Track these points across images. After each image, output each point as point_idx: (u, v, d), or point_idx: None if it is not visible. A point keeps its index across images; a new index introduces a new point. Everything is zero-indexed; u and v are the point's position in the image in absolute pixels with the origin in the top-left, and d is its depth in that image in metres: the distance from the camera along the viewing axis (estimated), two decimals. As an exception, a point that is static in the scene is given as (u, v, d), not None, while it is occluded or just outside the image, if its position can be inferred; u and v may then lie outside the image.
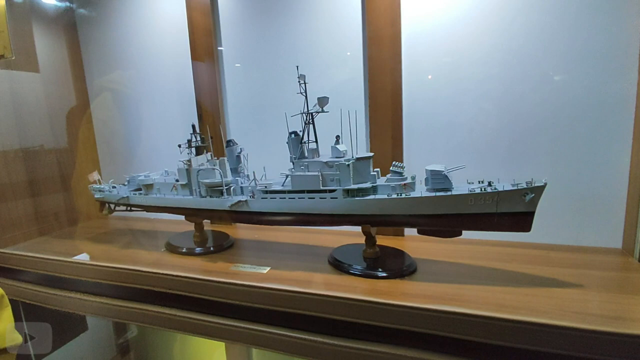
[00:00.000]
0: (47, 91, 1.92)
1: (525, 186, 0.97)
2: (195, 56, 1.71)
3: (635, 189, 1.16)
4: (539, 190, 0.96)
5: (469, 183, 1.07)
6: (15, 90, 1.79)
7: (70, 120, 2.01)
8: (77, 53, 2.05)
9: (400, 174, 1.11)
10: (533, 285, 1.01)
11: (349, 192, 1.12)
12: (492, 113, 1.32)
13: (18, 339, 1.07)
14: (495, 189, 0.99)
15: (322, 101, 1.16)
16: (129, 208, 1.58)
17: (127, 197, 1.53)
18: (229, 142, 1.38)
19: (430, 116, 1.40)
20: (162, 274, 1.22)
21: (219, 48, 1.70)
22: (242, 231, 1.65)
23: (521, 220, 1.00)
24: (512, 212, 0.99)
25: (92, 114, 2.07)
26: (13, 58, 1.34)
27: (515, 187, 0.97)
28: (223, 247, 1.44)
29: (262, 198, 1.24)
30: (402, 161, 1.39)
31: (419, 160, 1.39)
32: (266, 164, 1.34)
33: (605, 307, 0.89)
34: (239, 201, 1.27)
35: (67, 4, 2.00)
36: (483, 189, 1.00)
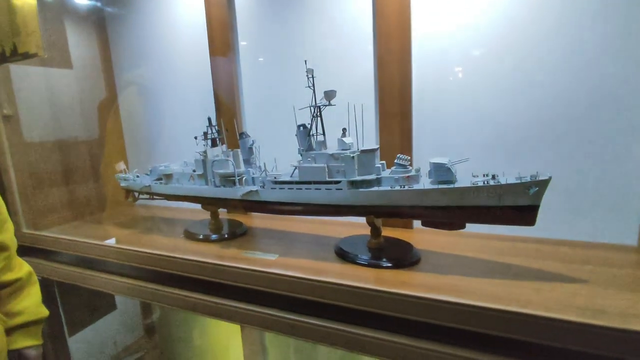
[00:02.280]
0: (79, 86, 2.06)
1: (530, 180, 0.97)
2: (213, 51, 1.78)
3: (652, 184, 1.12)
4: (543, 184, 0.96)
5: (473, 176, 1.07)
6: (50, 86, 1.93)
7: (100, 113, 2.14)
8: (107, 49, 2.17)
9: (405, 166, 1.13)
10: (536, 280, 1.00)
11: (353, 184, 1.15)
12: (504, 106, 1.30)
13: (44, 312, 1.18)
14: (499, 182, 0.99)
15: (329, 95, 1.19)
16: (151, 196, 1.69)
17: (149, 186, 1.63)
18: (241, 134, 1.44)
19: (441, 110, 1.40)
20: (181, 258, 1.31)
21: (241, 43, 1.75)
22: (255, 220, 1.72)
23: (525, 214, 0.99)
24: (515, 205, 0.99)
25: (119, 107, 2.20)
26: (46, 56, 1.45)
27: (519, 181, 0.97)
28: (236, 234, 1.51)
29: (272, 188, 1.29)
30: (411, 154, 1.40)
31: (429, 154, 1.39)
32: (277, 156, 1.39)
33: (610, 303, 0.88)
34: (250, 191, 1.33)
35: (96, 2, 2.11)
36: (486, 182, 1.01)
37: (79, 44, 2.06)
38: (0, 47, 1.58)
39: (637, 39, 1.12)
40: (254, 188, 1.32)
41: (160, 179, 1.61)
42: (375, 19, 1.40)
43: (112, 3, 2.11)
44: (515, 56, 1.26)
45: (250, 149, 1.43)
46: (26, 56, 1.48)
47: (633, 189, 1.18)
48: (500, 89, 1.30)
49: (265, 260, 1.24)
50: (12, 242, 1.10)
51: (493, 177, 1.02)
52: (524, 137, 1.29)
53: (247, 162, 1.43)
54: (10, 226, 1.11)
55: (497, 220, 1.04)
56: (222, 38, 1.75)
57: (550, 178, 0.95)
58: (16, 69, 1.73)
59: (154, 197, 1.67)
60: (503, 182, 0.99)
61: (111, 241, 1.59)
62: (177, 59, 1.95)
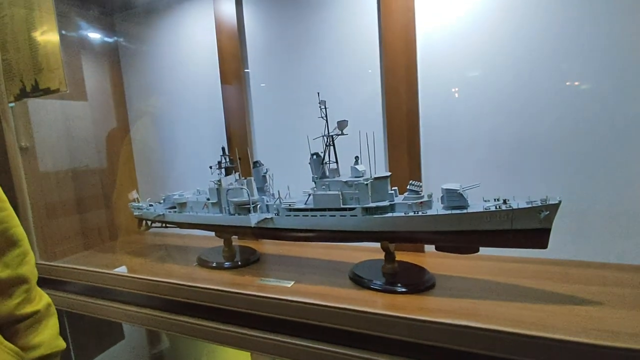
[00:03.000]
0: (93, 117, 2.12)
1: (540, 204, 1.00)
2: (224, 80, 1.85)
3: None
4: (553, 208, 0.99)
5: (485, 201, 1.11)
6: (66, 118, 1.99)
7: (113, 143, 2.19)
8: (120, 81, 2.25)
9: (417, 192, 1.16)
10: (552, 302, 1.02)
11: (367, 210, 1.18)
12: (511, 129, 1.35)
13: (62, 345, 1.17)
14: (510, 206, 1.03)
15: (342, 124, 1.24)
16: (164, 225, 1.71)
17: (163, 214, 1.66)
18: (255, 163, 1.48)
19: (448, 134, 1.45)
20: (194, 286, 1.31)
21: (246, 70, 1.83)
22: (267, 246, 1.74)
23: (537, 237, 1.02)
24: (527, 229, 1.02)
25: (131, 137, 2.25)
26: (67, 92, 1.52)
27: (530, 205, 1.00)
28: (250, 261, 1.53)
29: (286, 215, 1.32)
30: (420, 179, 1.44)
31: (437, 178, 1.43)
32: (290, 183, 1.43)
33: (625, 324, 0.90)
34: (265, 218, 1.35)
35: (111, 38, 2.21)
36: (498, 207, 1.04)
37: (94, 76, 2.14)
38: (21, 83, 1.65)
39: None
40: (268, 215, 1.35)
41: (174, 207, 1.64)
42: (382, 48, 1.47)
43: (126, 37, 2.21)
44: (523, 78, 1.32)
45: (264, 177, 1.47)
46: (47, 92, 1.54)
47: None
48: (508, 111, 1.35)
49: (281, 287, 1.25)
50: (33, 274, 1.11)
51: (504, 201, 1.06)
52: (532, 158, 1.33)
53: (261, 190, 1.47)
54: (31, 258, 1.12)
55: (510, 244, 1.06)
56: (233, 68, 1.82)
57: (560, 202, 0.99)
58: (34, 103, 1.79)
59: (167, 225, 1.70)
60: (515, 206, 1.02)
61: (122, 269, 1.60)
62: (189, 90, 2.02)
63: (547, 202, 0.99)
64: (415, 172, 1.45)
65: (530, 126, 1.33)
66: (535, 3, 1.28)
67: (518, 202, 1.03)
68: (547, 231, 1.01)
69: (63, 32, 1.88)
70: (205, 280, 1.39)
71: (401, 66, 1.43)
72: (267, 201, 1.41)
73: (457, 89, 1.43)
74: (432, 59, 1.42)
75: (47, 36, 1.52)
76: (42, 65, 1.55)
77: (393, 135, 1.47)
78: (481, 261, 1.31)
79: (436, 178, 1.44)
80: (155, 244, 2.02)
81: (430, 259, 1.40)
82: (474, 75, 1.40)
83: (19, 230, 1.00)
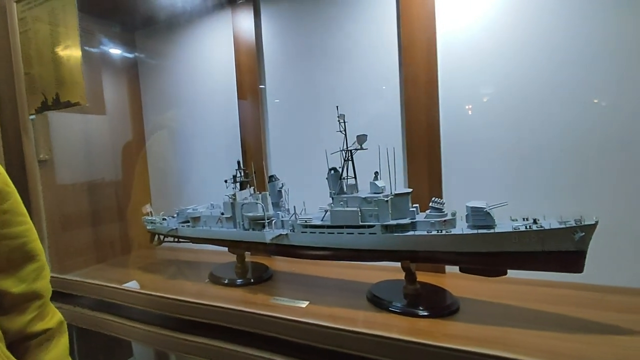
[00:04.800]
0: (110, 130, 2.14)
1: (574, 224, 0.93)
2: (241, 95, 1.85)
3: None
4: (589, 229, 0.92)
5: (512, 220, 1.05)
6: (84, 131, 2.02)
7: (128, 156, 2.21)
8: (137, 95, 2.28)
9: (440, 209, 1.11)
10: (588, 332, 0.94)
11: (387, 228, 1.13)
12: (536, 145, 1.29)
13: None
14: (541, 226, 0.96)
15: (361, 139, 1.21)
16: (177, 239, 1.68)
17: (176, 229, 1.63)
18: (271, 177, 1.45)
19: (470, 150, 1.40)
20: (205, 304, 1.27)
21: (262, 86, 1.83)
22: (280, 263, 1.69)
23: (571, 260, 0.95)
24: (561, 251, 0.95)
25: (147, 150, 2.27)
26: (87, 105, 1.53)
27: (563, 225, 0.94)
28: (262, 278, 1.48)
29: (302, 232, 1.27)
30: (441, 196, 1.38)
31: (458, 196, 1.37)
32: (306, 199, 1.39)
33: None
34: (280, 234, 1.31)
35: (131, 54, 2.25)
36: (528, 227, 0.98)
37: (113, 91, 2.18)
38: (42, 97, 1.67)
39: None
40: (283, 232, 1.31)
41: (187, 221, 1.62)
42: (402, 60, 1.44)
43: (145, 52, 2.25)
44: (548, 92, 1.27)
45: (280, 192, 1.44)
46: (68, 105, 1.56)
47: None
48: (532, 126, 1.30)
49: (295, 308, 1.20)
50: (47, 290, 1.09)
51: (535, 221, 0.99)
52: (560, 175, 1.27)
53: (276, 205, 1.44)
54: (47, 273, 1.10)
55: (542, 267, 0.99)
56: (249, 83, 1.83)
57: (597, 222, 0.92)
58: (54, 116, 1.82)
59: (180, 240, 1.67)
60: (546, 226, 0.96)
61: (132, 284, 1.57)
62: (206, 104, 2.03)
63: (582, 223, 0.93)
64: (435, 188, 1.39)
65: (557, 141, 1.27)
66: (563, 17, 1.24)
67: (550, 222, 0.97)
68: (582, 254, 0.94)
69: (85, 48, 1.91)
70: (216, 297, 1.34)
71: (421, 78, 1.40)
72: (283, 217, 1.37)
73: (479, 102, 1.38)
74: (453, 71, 1.39)
75: (70, 51, 1.55)
76: (64, 79, 1.58)
77: (413, 150, 1.43)
78: (507, 284, 1.24)
79: (458, 195, 1.38)
80: (167, 259, 1.99)
81: (452, 280, 1.33)
82: (495, 88, 1.36)
83: (37, 245, 0.98)
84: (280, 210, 1.41)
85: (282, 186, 1.44)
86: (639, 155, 1.17)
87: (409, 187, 1.39)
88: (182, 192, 2.13)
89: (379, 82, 1.55)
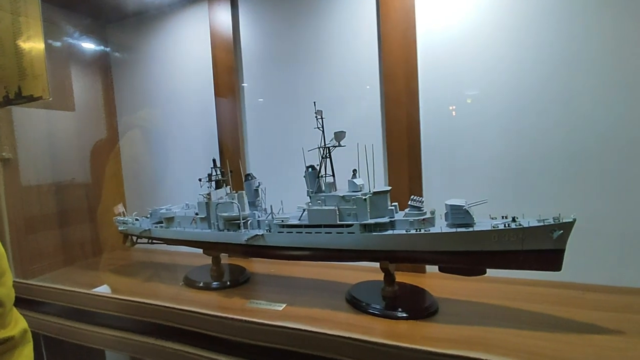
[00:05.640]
0: (80, 128, 2.04)
1: (552, 222, 0.92)
2: (218, 93, 1.79)
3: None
4: (567, 227, 0.91)
5: (491, 218, 1.03)
6: (51, 128, 1.91)
7: (100, 155, 2.11)
8: (111, 92, 2.18)
9: (419, 208, 1.09)
10: (568, 331, 0.93)
11: (366, 227, 1.09)
12: (517, 145, 1.28)
13: None
14: (520, 224, 0.95)
15: (339, 135, 1.17)
16: (150, 241, 1.61)
17: (149, 229, 1.56)
18: (247, 176, 1.40)
19: (450, 147, 1.38)
20: (179, 309, 1.21)
21: (242, 84, 1.78)
22: (257, 265, 1.64)
23: (550, 259, 0.94)
24: (539, 249, 0.94)
25: (120, 149, 2.18)
26: (50, 99, 1.44)
27: (542, 224, 0.93)
28: (239, 281, 1.43)
29: (279, 232, 1.23)
30: (421, 194, 1.36)
31: (438, 193, 1.36)
32: (284, 198, 1.35)
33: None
34: (256, 235, 1.27)
35: (103, 48, 2.16)
36: (507, 225, 0.96)
37: (83, 87, 2.07)
38: (4, 90, 1.57)
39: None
40: (259, 232, 1.26)
41: (161, 222, 1.55)
42: (382, 57, 1.42)
43: (118, 47, 2.16)
44: (527, 92, 1.26)
45: (256, 191, 1.39)
46: (31, 99, 1.47)
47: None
48: (511, 125, 1.29)
49: (272, 311, 1.16)
50: (9, 297, 1.01)
51: (513, 219, 0.98)
52: (541, 175, 1.26)
53: (253, 204, 1.39)
54: (8, 279, 1.02)
55: (520, 266, 0.98)
56: (227, 80, 1.77)
57: (574, 220, 0.91)
58: (18, 112, 1.72)
59: (153, 241, 1.60)
60: (525, 224, 0.94)
61: (103, 289, 1.49)
62: (182, 101, 1.96)
63: (560, 221, 0.92)
64: (416, 186, 1.37)
65: (538, 141, 1.26)
66: (541, 17, 1.23)
67: (529, 221, 0.96)
68: (560, 252, 0.93)
69: (52, 40, 1.82)
70: (190, 302, 1.29)
71: (401, 77, 1.37)
72: (259, 216, 1.32)
73: (459, 102, 1.37)
74: (433, 70, 1.37)
75: (32, 42, 1.46)
76: (26, 71, 1.49)
77: (393, 147, 1.41)
78: (487, 283, 1.22)
79: (439, 193, 1.36)
80: (141, 261, 1.91)
81: (432, 280, 1.31)
82: (475, 88, 1.34)
83: None
84: (256, 210, 1.36)
85: (259, 185, 1.40)
86: (618, 157, 1.17)
87: (389, 185, 1.36)
88: (157, 191, 2.05)
89: (360, 79, 1.52)
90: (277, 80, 1.72)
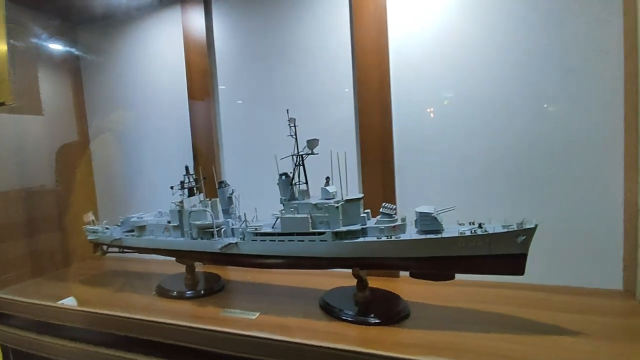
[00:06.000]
0: (49, 133, 1.98)
1: (516, 228, 0.95)
2: (192, 97, 1.77)
3: (631, 227, 1.13)
4: (530, 232, 0.94)
5: (459, 224, 1.05)
6: (18, 133, 1.84)
7: (70, 161, 2.05)
8: (81, 95, 2.12)
9: (390, 215, 1.10)
10: (536, 333, 0.96)
11: (338, 235, 1.10)
12: (486, 149, 1.32)
13: None
14: (486, 230, 0.97)
15: (312, 143, 1.17)
16: (122, 250, 1.57)
17: (120, 238, 1.53)
18: (220, 183, 1.39)
19: (423, 154, 1.40)
20: (151, 321, 1.19)
21: (217, 88, 1.76)
22: (233, 272, 1.62)
23: (514, 263, 0.97)
24: (503, 254, 0.97)
25: (91, 154, 2.12)
26: (14, 105, 1.39)
27: (507, 230, 0.95)
28: (214, 289, 1.42)
29: (252, 240, 1.22)
30: (394, 201, 1.38)
31: (412, 199, 1.38)
32: (260, 205, 1.34)
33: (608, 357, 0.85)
34: (229, 244, 1.26)
35: (73, 50, 2.09)
36: (473, 231, 0.98)
37: (52, 89, 2.01)
38: (-35, 96, 1.51)
39: (601, 90, 1.18)
40: (233, 240, 1.26)
41: (132, 230, 1.52)
42: (355, 64, 1.43)
43: (89, 50, 2.10)
44: (498, 98, 1.30)
45: (230, 198, 1.38)
46: (-7, 105, 1.41)
47: (617, 233, 1.19)
48: (481, 132, 1.32)
49: (245, 320, 1.15)
50: None
51: (480, 225, 1.00)
52: (507, 179, 1.30)
53: (226, 212, 1.37)
54: None
55: (486, 270, 1.01)
56: (201, 84, 1.75)
57: (536, 226, 0.94)
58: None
59: (125, 250, 1.56)
60: (491, 230, 0.97)
61: (69, 301, 1.45)
62: (155, 105, 1.92)
63: (524, 226, 0.95)
64: (389, 193, 1.39)
65: (507, 148, 1.30)
66: (512, 22, 1.26)
67: (494, 226, 0.98)
68: (524, 257, 0.96)
69: (19, 42, 1.75)
70: (163, 312, 1.26)
71: (374, 81, 1.39)
72: (233, 224, 1.31)
73: (432, 107, 1.39)
74: (405, 73, 1.39)
75: (-5, 45, 1.40)
76: (-11, 76, 1.43)
77: (366, 154, 1.42)
78: (458, 287, 1.25)
79: (412, 200, 1.38)
80: (114, 270, 1.87)
81: (405, 284, 1.33)
82: (448, 93, 1.37)
83: None
84: (230, 218, 1.35)
85: (233, 192, 1.39)
86: (583, 162, 1.21)
87: (364, 192, 1.38)
88: (131, 198, 2.00)
89: (336, 83, 1.53)
90: (252, 84, 1.71)
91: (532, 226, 0.94)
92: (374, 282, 1.28)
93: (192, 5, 1.75)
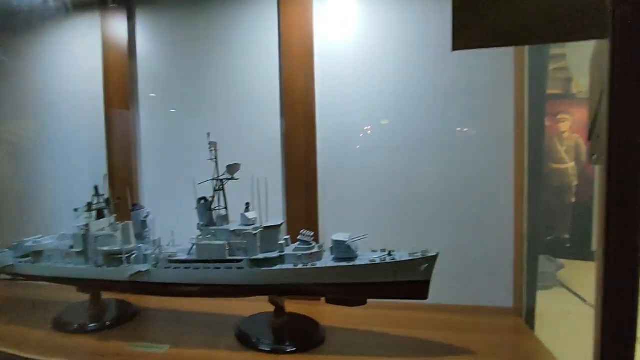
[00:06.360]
0: None
1: (421, 256, 1.03)
2: (110, 105, 1.64)
3: (519, 251, 1.29)
4: (432, 260, 1.03)
5: (372, 251, 1.11)
6: None
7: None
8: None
9: (308, 242, 1.12)
10: (430, 355, 1.04)
11: (255, 262, 1.09)
12: (401, 179, 1.41)
13: None
14: (394, 258, 1.04)
15: (232, 169, 1.16)
16: (14, 278, 1.39)
17: (12, 265, 1.35)
18: (134, 205, 1.31)
19: (345, 179, 1.46)
20: None
21: (152, 95, 1.66)
22: (146, 297, 1.50)
23: (418, 289, 1.04)
24: (409, 281, 1.04)
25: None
26: None
27: (412, 257, 1.03)
28: (123, 319, 1.31)
29: (166, 268, 1.16)
30: (317, 226, 1.41)
31: (336, 223, 1.42)
32: (181, 229, 1.27)
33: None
34: (139, 271, 1.18)
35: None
36: (383, 259, 1.04)
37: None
38: None
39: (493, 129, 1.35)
40: (144, 268, 1.18)
41: (27, 256, 1.35)
42: (283, 90, 1.45)
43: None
44: (408, 133, 1.40)
45: (144, 221, 1.29)
46: None
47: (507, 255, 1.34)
48: (398, 160, 1.41)
49: (153, 356, 1.08)
50: None
51: (389, 253, 1.07)
52: (416, 207, 1.40)
53: (140, 236, 1.29)
54: None
55: (394, 296, 1.08)
56: (120, 92, 1.64)
57: (438, 254, 1.03)
58: None
59: (18, 278, 1.38)
60: (398, 258, 1.04)
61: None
62: (65, 116, 1.75)
63: (427, 254, 1.03)
64: (313, 218, 1.42)
65: (417, 176, 1.41)
66: (431, 54, 1.37)
67: (402, 254, 1.05)
68: (426, 283, 1.04)
69: None
70: (60, 349, 1.14)
71: (300, 107, 1.42)
72: (146, 250, 1.23)
73: (354, 132, 1.46)
74: (329, 99, 1.44)
75: None
76: None
77: (291, 177, 1.44)
78: (372, 310, 1.29)
79: (336, 223, 1.42)
80: (5, 297, 1.63)
81: (324, 307, 1.33)
82: (369, 119, 1.45)
83: None
84: (143, 243, 1.27)
85: (148, 215, 1.31)
86: (480, 195, 1.35)
87: (288, 216, 1.39)
88: (28, 220, 1.76)
89: (263, 104, 1.53)
90: (178, 97, 1.65)
91: (434, 254, 1.03)
92: (294, 306, 1.28)
93: (113, 12, 1.65)
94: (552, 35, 0.74)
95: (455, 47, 0.74)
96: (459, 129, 1.38)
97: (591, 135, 0.75)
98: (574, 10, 0.69)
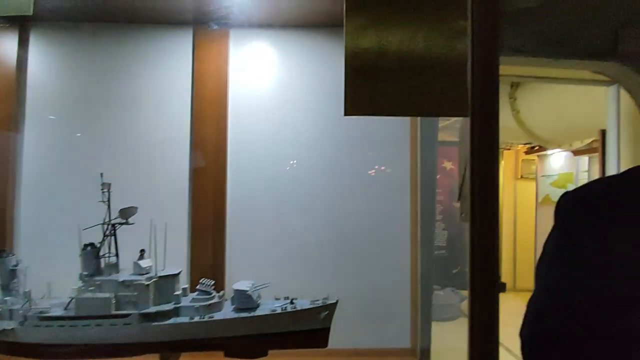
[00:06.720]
0: None
1: (321, 303, 1.05)
2: (-13, 137, 1.43)
3: (414, 294, 1.38)
4: (332, 307, 1.05)
5: (276, 299, 1.10)
6: None
7: None
8: None
9: (208, 292, 1.07)
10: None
11: (145, 316, 1.01)
12: (306, 225, 1.44)
13: None
14: (295, 307, 1.04)
15: (126, 212, 1.08)
16: None
17: None
18: (1, 251, 1.12)
19: (254, 223, 1.44)
20: None
21: (51, 117, 1.49)
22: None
23: (318, 337, 1.05)
24: (308, 329, 1.04)
25: None
26: None
27: (312, 306, 1.04)
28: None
29: (36, 326, 1.01)
30: (223, 271, 1.36)
31: (243, 270, 1.37)
32: (60, 279, 1.12)
33: None
34: (3, 330, 1.00)
35: None
36: (284, 308, 1.04)
37: None
38: None
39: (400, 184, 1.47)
40: (9, 326, 1.01)
41: None
42: (193, 130, 1.42)
43: None
44: (314, 181, 1.46)
45: (13, 271, 1.11)
46: None
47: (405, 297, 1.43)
48: (305, 208, 1.45)
49: None
50: None
51: (292, 301, 1.07)
52: (320, 254, 1.43)
53: (6, 288, 1.10)
54: None
55: (294, 345, 1.07)
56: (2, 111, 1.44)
57: (337, 301, 1.06)
58: None
59: None
60: (299, 306, 1.04)
61: None
62: None
63: (327, 302, 1.05)
64: (219, 263, 1.36)
65: (323, 224, 1.45)
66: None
67: (303, 302, 1.06)
68: (326, 330, 1.05)
69: None
70: None
71: (211, 148, 1.40)
72: (12, 304, 1.06)
73: (265, 176, 1.46)
74: (242, 144, 1.45)
75: None
76: None
77: (197, 222, 1.38)
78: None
79: (244, 269, 1.37)
80: None
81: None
82: (281, 164, 1.48)
83: None
84: (11, 296, 1.09)
85: (18, 264, 1.13)
86: (380, 242, 1.44)
87: (192, 264, 1.32)
88: None
89: (171, 146, 1.46)
90: (75, 127, 1.50)
91: (334, 302, 1.05)
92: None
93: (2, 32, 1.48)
94: (425, 111, 0.85)
95: (347, 112, 0.81)
96: (361, 175, 1.48)
97: (459, 197, 0.87)
98: (441, 90, 0.81)
